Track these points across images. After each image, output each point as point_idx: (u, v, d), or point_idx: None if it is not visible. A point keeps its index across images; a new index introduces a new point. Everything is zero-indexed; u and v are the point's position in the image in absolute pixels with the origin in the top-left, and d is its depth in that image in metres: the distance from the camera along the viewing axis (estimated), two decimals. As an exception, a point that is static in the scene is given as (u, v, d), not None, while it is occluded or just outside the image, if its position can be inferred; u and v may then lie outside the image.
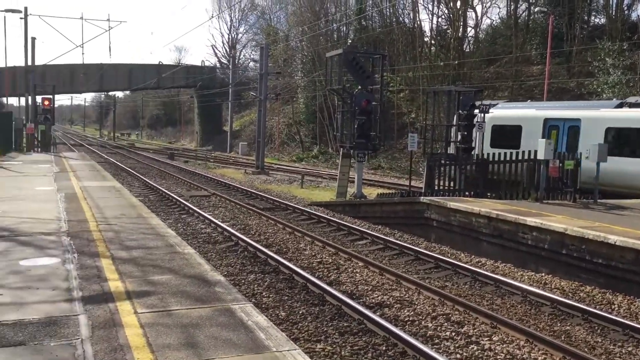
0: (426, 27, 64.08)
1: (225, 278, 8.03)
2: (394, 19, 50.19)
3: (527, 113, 21.82)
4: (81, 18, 40.21)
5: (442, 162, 19.18)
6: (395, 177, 34.51)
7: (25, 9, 39.59)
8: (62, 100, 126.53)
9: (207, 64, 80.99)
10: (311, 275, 10.81)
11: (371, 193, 24.18)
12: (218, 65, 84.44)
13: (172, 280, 7.30)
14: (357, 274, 11.39)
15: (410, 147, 21.36)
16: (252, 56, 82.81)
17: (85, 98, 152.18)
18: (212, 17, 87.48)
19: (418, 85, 42.66)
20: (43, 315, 5.89)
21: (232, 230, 14.85)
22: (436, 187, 18.36)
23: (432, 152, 20.48)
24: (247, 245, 13.38)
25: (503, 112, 22.33)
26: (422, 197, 16.64)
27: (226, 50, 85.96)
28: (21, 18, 39.69)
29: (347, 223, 16.64)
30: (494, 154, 18.35)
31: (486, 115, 20.53)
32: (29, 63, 40.84)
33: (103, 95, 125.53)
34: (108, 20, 40.25)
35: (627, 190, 18.16)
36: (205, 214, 17.41)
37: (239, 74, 70.96)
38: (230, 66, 69.43)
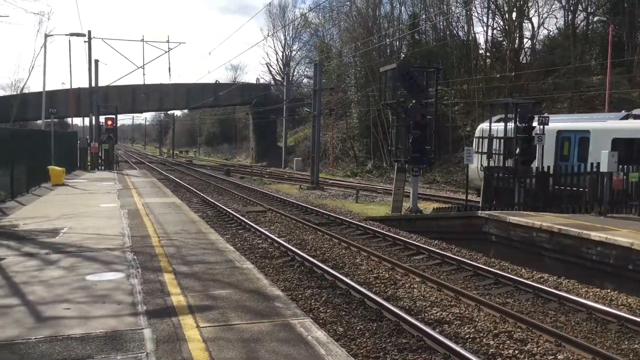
0: (481, 39, 63.39)
1: (284, 293, 8.07)
2: (448, 32, 49.80)
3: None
4: (142, 40, 41.55)
5: (501, 175, 18.79)
6: (450, 191, 34.02)
7: (89, 32, 41.19)
8: (124, 119, 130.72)
9: (261, 81, 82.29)
10: (368, 290, 10.73)
11: (427, 207, 23.90)
12: (272, 82, 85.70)
13: (232, 295, 7.39)
14: (415, 290, 11.24)
15: (466, 160, 21.04)
16: (305, 73, 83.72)
17: (145, 117, 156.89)
18: (267, 36, 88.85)
19: (473, 98, 42.08)
20: (109, 329, 6.04)
21: (289, 246, 14.93)
22: (494, 201, 17.98)
23: (489, 165, 20.08)
24: (303, 260, 13.42)
25: None
26: (480, 212, 16.35)
27: (280, 67, 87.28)
28: (85, 41, 41.28)
29: (403, 238, 16.49)
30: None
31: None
32: (93, 84, 42.35)
33: (162, 115, 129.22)
34: (168, 42, 41.38)
35: None
36: (262, 230, 17.57)
37: (293, 91, 71.82)
38: (284, 83, 70.42)
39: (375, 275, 12.44)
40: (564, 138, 22.11)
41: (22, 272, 8.61)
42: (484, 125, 24.97)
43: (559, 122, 22.42)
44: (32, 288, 7.72)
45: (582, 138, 21.07)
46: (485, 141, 22.84)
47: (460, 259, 13.75)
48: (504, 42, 45.63)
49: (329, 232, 17.47)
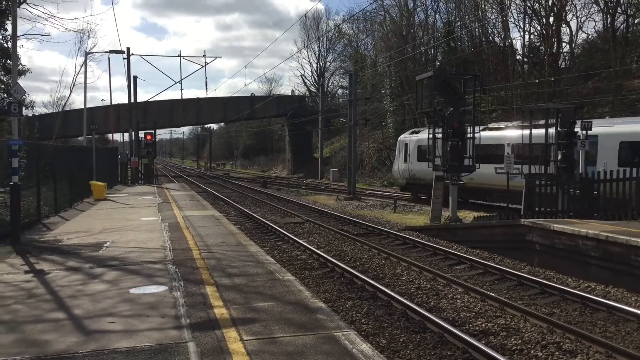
0: (517, 44, 62.52)
1: (326, 305, 8.01)
2: (484, 39, 49.30)
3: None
4: (179, 55, 42.21)
5: (543, 182, 18.43)
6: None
7: (128, 49, 42.10)
8: (162, 134, 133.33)
9: (296, 93, 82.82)
10: (410, 301, 10.60)
11: (466, 216, 23.58)
12: (307, 94, 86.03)
13: (275, 307, 7.37)
14: (458, 300, 11.05)
15: (506, 168, 20.71)
16: (340, 83, 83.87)
17: (183, 131, 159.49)
18: (301, 48, 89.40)
19: (511, 104, 41.48)
20: (154, 343, 6.07)
21: (328, 257, 14.86)
22: (536, 209, 17.62)
23: (530, 172, 19.71)
24: (343, 272, 13.33)
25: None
26: (522, 220, 16.02)
27: (315, 79, 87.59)
28: (124, 58, 42.16)
29: (443, 247, 16.28)
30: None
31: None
32: (132, 100, 43.17)
33: (200, 128, 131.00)
34: (204, 56, 41.74)
35: None
36: (301, 241, 17.56)
37: (328, 102, 71.94)
38: (319, 94, 70.63)
39: (416, 285, 12.29)
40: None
41: (67, 286, 8.76)
42: (402, 137, 34.92)
43: None
44: (78, 302, 7.84)
45: (592, 143, 21.21)
46: (404, 149, 33.41)
47: (504, 268, 13.49)
48: (542, 47, 44.92)
49: (368, 243, 17.35)
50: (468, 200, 28.57)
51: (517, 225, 15.86)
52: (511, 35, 49.99)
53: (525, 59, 46.84)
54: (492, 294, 11.19)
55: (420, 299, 11.27)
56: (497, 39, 48.58)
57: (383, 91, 59.87)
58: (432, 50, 55.02)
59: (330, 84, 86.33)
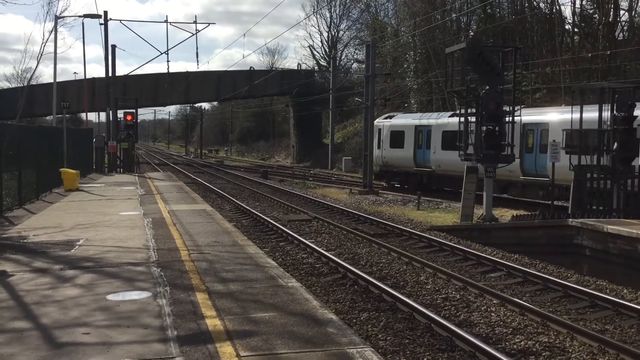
0: (567, 12, 62.19)
1: (337, 316, 8.03)
2: (527, 4, 49.04)
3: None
4: (166, 21, 42.28)
5: (594, 176, 18.37)
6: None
7: (105, 13, 41.95)
8: (144, 114, 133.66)
9: (304, 67, 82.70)
10: (436, 314, 10.62)
11: (503, 215, 23.57)
12: (316, 68, 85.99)
13: (277, 319, 7.40)
14: (492, 314, 11.08)
15: (551, 159, 20.66)
16: (355, 56, 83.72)
17: (169, 111, 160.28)
18: (310, 14, 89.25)
19: (558, 82, 41.30)
20: (135, 358, 6.11)
21: (339, 260, 14.91)
22: (587, 207, 17.58)
23: (580, 164, 19.65)
24: (357, 278, 13.37)
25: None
26: (570, 220, 16.01)
27: (325, 50, 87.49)
28: (101, 24, 42.08)
29: (475, 251, 16.30)
30: None
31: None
32: (110, 74, 43.18)
33: (189, 108, 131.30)
34: (195, 22, 41.75)
35: None
36: (307, 242, 17.61)
37: (341, 78, 71.92)
38: (330, 69, 70.56)
39: (443, 295, 12.32)
40: (528, 131, 27.35)
41: (33, 291, 8.82)
42: (376, 122, 38.30)
43: (524, 116, 24.76)
44: (46, 309, 7.89)
45: (544, 130, 25.57)
46: (377, 135, 37.99)
47: (547, 276, 13.51)
48: (596, 15, 44.64)
49: (386, 245, 17.39)
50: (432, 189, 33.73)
51: (563, 226, 15.87)
52: (559, 1, 49.73)
53: (575, 29, 46.56)
54: (533, 307, 11.21)
55: (448, 311, 11.30)
56: (542, 5, 48.34)
57: (406, 66, 59.73)
58: (465, 18, 54.79)
59: (343, 57, 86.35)
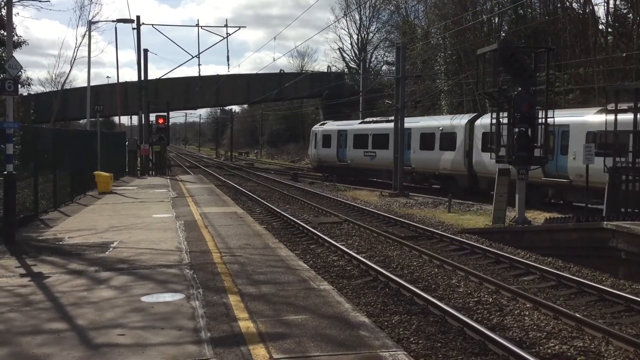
0: (600, 12, 61.35)
1: (369, 319, 8.03)
2: (559, 5, 48.49)
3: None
4: (197, 25, 42.62)
5: (631, 177, 18.10)
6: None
7: (138, 18, 42.51)
8: (176, 117, 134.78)
9: (333, 69, 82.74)
10: (468, 317, 10.56)
11: (536, 217, 23.31)
12: (346, 70, 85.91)
13: (309, 321, 7.42)
14: (526, 317, 10.98)
15: (585, 160, 20.40)
16: (385, 58, 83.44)
17: (200, 115, 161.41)
18: (339, 17, 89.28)
19: (592, 83, 40.77)
20: (169, 359, 6.17)
21: (370, 263, 14.88)
22: (623, 209, 17.33)
23: (615, 165, 19.36)
24: (388, 281, 13.34)
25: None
26: (605, 222, 15.78)
27: (355, 53, 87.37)
28: (133, 28, 42.64)
29: (507, 254, 16.17)
30: None
31: None
32: (142, 77, 43.60)
33: (219, 111, 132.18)
34: (226, 26, 42.04)
35: None
36: (338, 244, 17.61)
37: (371, 80, 71.74)
38: (360, 71, 70.47)
39: (475, 299, 12.24)
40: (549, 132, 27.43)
41: (69, 292, 8.96)
42: (313, 128, 52.20)
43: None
44: (82, 311, 8.01)
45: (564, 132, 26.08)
46: (314, 138, 49.92)
47: (582, 280, 13.34)
48: (630, 15, 43.99)
49: (417, 248, 17.31)
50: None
51: (598, 229, 15.64)
52: (593, 1, 49.09)
53: (609, 29, 45.92)
54: (568, 311, 11.08)
55: (480, 315, 11.22)
56: (575, 5, 47.75)
57: (437, 67, 59.42)
58: (497, 19, 54.34)
59: (373, 59, 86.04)
